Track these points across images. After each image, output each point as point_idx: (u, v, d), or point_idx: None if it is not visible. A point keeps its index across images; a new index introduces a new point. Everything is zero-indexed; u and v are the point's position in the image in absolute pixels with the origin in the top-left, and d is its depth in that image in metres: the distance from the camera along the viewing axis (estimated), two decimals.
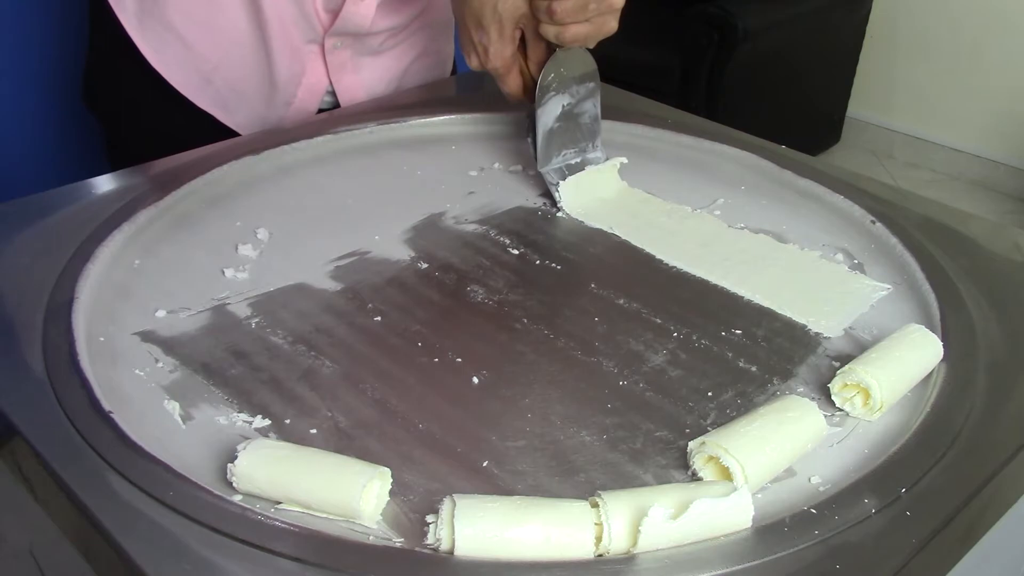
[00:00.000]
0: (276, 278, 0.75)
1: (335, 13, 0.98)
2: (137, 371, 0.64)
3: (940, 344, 0.65)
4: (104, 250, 0.74)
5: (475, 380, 0.65)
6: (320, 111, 1.06)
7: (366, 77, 1.07)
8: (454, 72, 1.20)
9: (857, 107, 3.11)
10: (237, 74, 1.02)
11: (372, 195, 0.89)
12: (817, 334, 0.71)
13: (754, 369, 0.67)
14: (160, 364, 0.65)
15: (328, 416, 0.61)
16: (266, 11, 0.96)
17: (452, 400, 0.63)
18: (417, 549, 0.51)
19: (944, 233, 0.82)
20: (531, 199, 0.89)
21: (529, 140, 0.89)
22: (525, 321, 0.71)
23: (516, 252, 0.80)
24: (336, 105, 1.07)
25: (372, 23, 1.00)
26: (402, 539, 0.52)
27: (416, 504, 0.54)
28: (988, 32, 2.82)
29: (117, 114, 1.10)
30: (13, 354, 0.64)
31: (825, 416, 0.59)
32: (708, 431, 0.59)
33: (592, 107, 0.90)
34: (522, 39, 0.88)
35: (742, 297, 0.75)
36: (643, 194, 0.89)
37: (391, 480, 0.54)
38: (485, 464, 0.58)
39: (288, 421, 0.61)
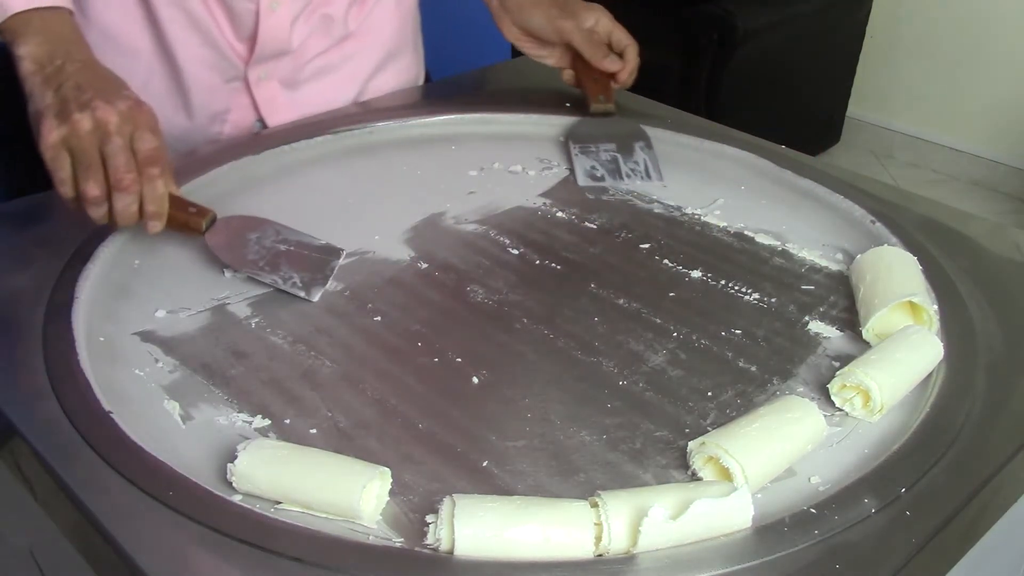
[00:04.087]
0: None
1: (252, 40, 0.93)
2: (137, 371, 0.64)
3: (940, 345, 0.65)
4: (104, 250, 0.74)
5: (475, 380, 0.65)
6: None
7: (304, 109, 1.00)
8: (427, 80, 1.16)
9: (857, 107, 3.11)
10: None
11: (372, 195, 0.89)
12: (817, 334, 0.71)
13: (754, 369, 0.67)
14: (160, 364, 0.65)
15: (328, 416, 0.61)
16: (176, 54, 0.92)
17: (452, 400, 0.63)
18: (417, 549, 0.51)
19: (944, 233, 0.82)
20: (531, 199, 0.89)
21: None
22: (525, 321, 0.71)
23: (516, 252, 0.80)
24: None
25: (294, 40, 0.95)
26: (402, 539, 0.52)
27: (416, 504, 0.54)
28: (988, 32, 2.81)
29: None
30: (13, 354, 0.64)
31: (825, 416, 0.59)
32: (708, 431, 0.59)
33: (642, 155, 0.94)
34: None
35: (742, 297, 0.75)
36: None
37: (391, 480, 0.54)
38: (485, 464, 0.58)
39: (288, 421, 0.61)
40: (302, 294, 0.72)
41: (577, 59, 1.01)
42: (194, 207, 0.74)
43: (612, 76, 1.01)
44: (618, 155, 0.94)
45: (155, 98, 0.90)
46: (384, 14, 1.04)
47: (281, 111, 1.00)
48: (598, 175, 0.92)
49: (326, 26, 0.98)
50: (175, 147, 0.96)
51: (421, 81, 1.14)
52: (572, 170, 0.93)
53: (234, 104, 0.97)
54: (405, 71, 1.10)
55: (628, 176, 0.92)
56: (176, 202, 0.74)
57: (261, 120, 1.00)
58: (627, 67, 1.01)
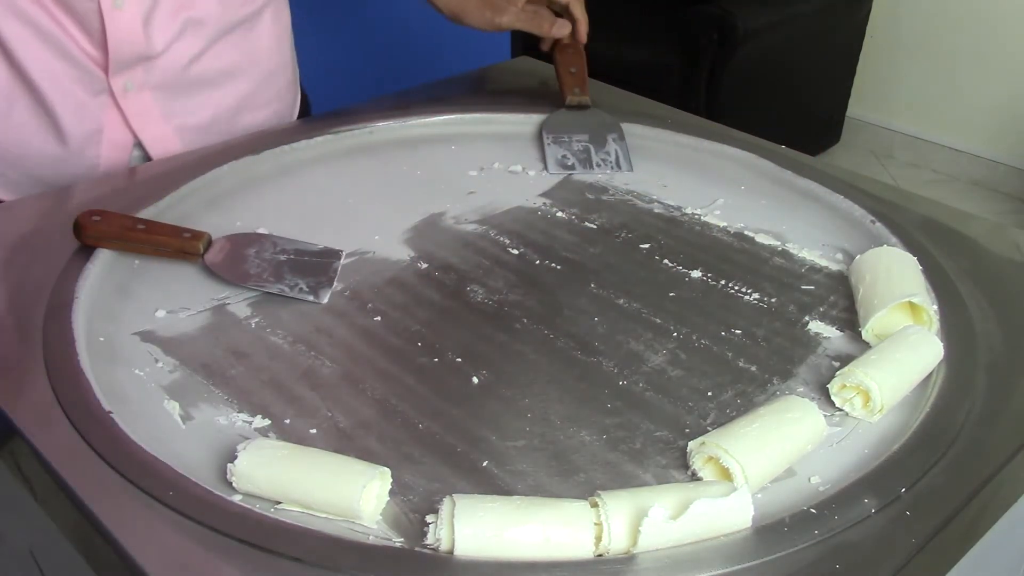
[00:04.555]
0: None
1: (103, 43, 0.86)
2: (137, 371, 0.64)
3: (940, 345, 0.65)
4: (104, 250, 0.74)
5: (475, 380, 0.65)
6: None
7: (180, 124, 0.95)
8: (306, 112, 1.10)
9: (857, 107, 3.11)
10: (15, 149, 0.89)
11: (372, 195, 0.89)
12: (817, 334, 0.71)
13: (754, 369, 0.67)
14: (160, 364, 0.65)
15: (328, 416, 0.61)
16: (31, 73, 0.85)
17: (452, 400, 0.63)
18: (417, 549, 0.51)
19: (944, 233, 0.82)
20: (531, 199, 0.89)
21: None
22: (525, 321, 0.71)
23: (516, 252, 0.80)
24: (149, 159, 0.94)
25: (155, 42, 0.88)
26: (402, 539, 0.52)
27: (416, 504, 0.54)
28: (988, 32, 2.81)
29: None
30: (13, 354, 0.64)
31: (825, 416, 0.59)
32: (708, 431, 0.59)
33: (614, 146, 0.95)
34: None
35: (742, 297, 0.75)
36: None
37: (391, 480, 0.54)
38: (485, 464, 0.58)
39: (288, 421, 0.61)
40: (311, 298, 0.72)
41: (553, 52, 1.04)
42: (188, 232, 0.74)
43: (575, 38, 1.01)
44: (590, 145, 0.96)
45: (20, 127, 0.87)
46: (264, 28, 0.99)
47: (154, 126, 0.93)
48: (569, 163, 0.93)
49: (196, 30, 0.92)
50: (51, 180, 0.91)
51: (299, 102, 1.09)
52: (544, 159, 0.94)
53: (106, 121, 0.90)
54: (286, 90, 1.06)
55: (599, 165, 0.93)
56: (170, 229, 0.74)
57: (137, 140, 0.93)
58: (579, 25, 1.01)
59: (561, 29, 1.01)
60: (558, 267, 0.78)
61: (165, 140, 0.94)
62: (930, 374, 0.64)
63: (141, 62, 0.89)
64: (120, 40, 0.86)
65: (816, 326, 0.71)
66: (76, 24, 0.85)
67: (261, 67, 1.01)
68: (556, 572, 0.49)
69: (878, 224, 0.81)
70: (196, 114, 0.96)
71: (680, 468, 0.58)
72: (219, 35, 0.94)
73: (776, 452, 0.56)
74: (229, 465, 0.54)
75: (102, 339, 0.67)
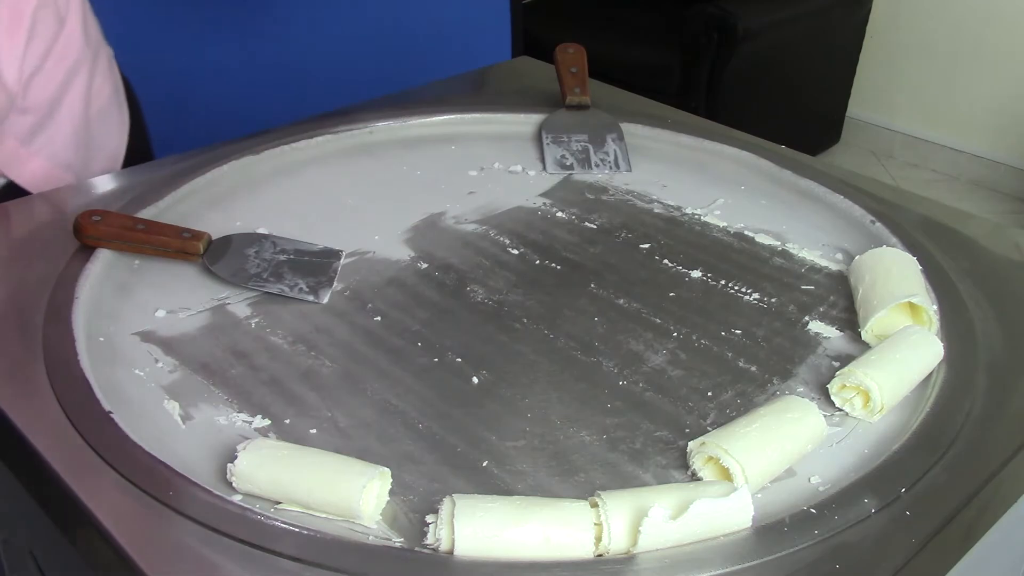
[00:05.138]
0: None
1: None
2: (137, 371, 0.64)
3: (940, 345, 0.65)
4: (104, 250, 0.74)
5: (475, 380, 0.65)
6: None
7: (50, 154, 0.93)
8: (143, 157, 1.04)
9: (857, 107, 3.11)
10: None
11: (372, 195, 0.89)
12: (817, 334, 0.71)
13: (754, 369, 0.67)
14: (160, 364, 0.65)
15: (328, 416, 0.61)
16: None
17: (452, 400, 0.63)
18: (417, 549, 0.51)
19: (944, 233, 0.82)
20: (531, 199, 0.89)
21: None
22: (525, 321, 0.71)
23: (516, 252, 0.80)
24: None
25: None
26: (402, 539, 0.52)
27: (416, 504, 0.54)
28: (989, 32, 2.81)
29: None
30: (13, 354, 0.64)
31: (825, 416, 0.59)
32: (708, 431, 0.59)
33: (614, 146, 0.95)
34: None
35: (742, 297, 0.75)
36: None
37: (391, 480, 0.54)
38: (485, 464, 0.58)
39: (288, 421, 0.61)
40: (311, 298, 0.72)
41: (553, 52, 1.04)
42: (188, 232, 0.74)
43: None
44: (589, 145, 0.96)
45: None
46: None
47: (30, 167, 0.92)
48: (567, 163, 0.94)
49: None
50: None
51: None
52: (543, 159, 0.94)
53: None
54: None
55: (597, 166, 0.93)
56: (170, 229, 0.74)
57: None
58: None
59: None
60: (558, 267, 0.78)
61: (39, 177, 0.93)
62: (930, 374, 0.64)
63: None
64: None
65: (816, 326, 0.71)
66: None
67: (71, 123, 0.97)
68: (556, 572, 0.49)
69: (878, 224, 0.81)
70: (57, 142, 0.94)
71: (680, 468, 0.58)
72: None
73: (776, 452, 0.56)
74: (229, 465, 0.54)
75: (102, 339, 0.67)
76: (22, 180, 0.93)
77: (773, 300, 0.74)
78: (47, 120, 0.94)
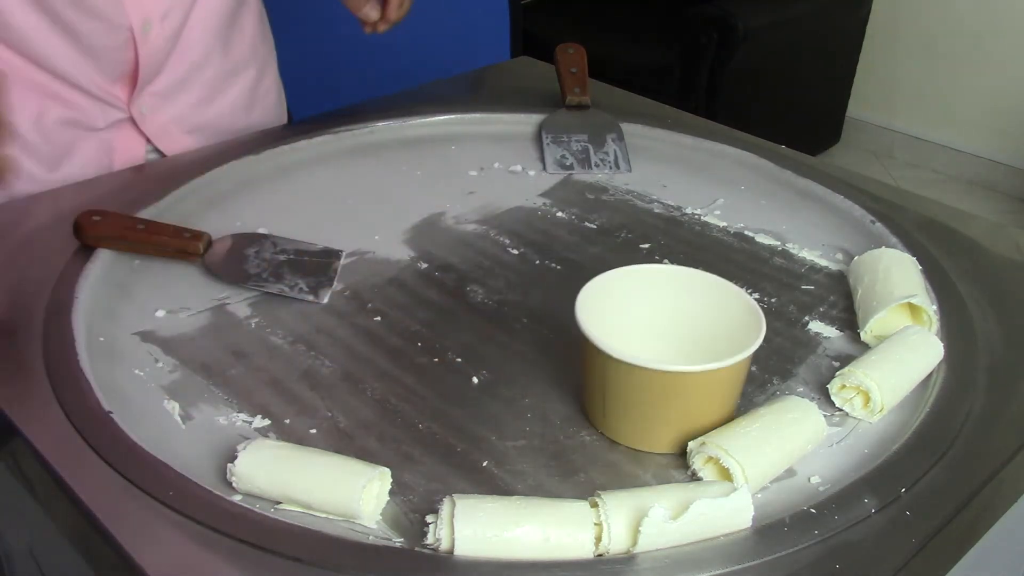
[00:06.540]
0: None
1: (132, 78, 0.89)
2: (137, 371, 0.64)
3: (940, 345, 0.65)
4: (104, 250, 0.74)
5: (475, 380, 0.65)
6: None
7: (196, 128, 0.98)
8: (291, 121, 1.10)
9: (857, 107, 3.11)
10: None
11: (372, 195, 0.89)
12: (817, 334, 0.71)
13: (754, 369, 0.67)
14: (160, 364, 0.65)
15: (328, 416, 0.61)
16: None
17: (452, 400, 0.63)
18: (417, 549, 0.51)
19: (944, 233, 0.82)
20: (531, 199, 0.89)
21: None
22: (525, 321, 0.71)
23: (516, 252, 0.80)
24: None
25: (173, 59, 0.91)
26: (402, 539, 0.52)
27: (416, 504, 0.54)
28: (989, 32, 2.81)
29: None
30: (13, 354, 0.64)
31: (825, 416, 0.59)
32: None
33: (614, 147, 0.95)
34: None
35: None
36: None
37: (391, 480, 0.54)
38: (485, 464, 0.58)
39: (288, 421, 0.61)
40: (310, 298, 0.72)
41: (555, 55, 1.04)
42: (188, 232, 0.74)
43: (385, 17, 0.95)
44: (589, 145, 0.96)
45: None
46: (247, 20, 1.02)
47: (180, 141, 0.96)
48: (567, 163, 0.94)
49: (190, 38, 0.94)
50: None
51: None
52: (543, 159, 0.94)
53: (118, 145, 0.93)
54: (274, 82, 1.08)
55: (597, 166, 0.93)
56: (170, 229, 0.74)
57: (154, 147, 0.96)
58: (390, 6, 0.94)
59: (372, 12, 0.95)
60: (558, 267, 0.78)
61: (181, 145, 0.97)
62: (930, 374, 0.64)
63: (158, 79, 0.92)
64: (148, 63, 0.89)
65: (816, 326, 0.71)
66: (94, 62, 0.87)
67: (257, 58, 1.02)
68: (556, 572, 0.49)
69: (878, 224, 0.81)
70: (206, 111, 0.98)
71: (680, 468, 0.58)
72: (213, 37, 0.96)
73: (776, 452, 0.56)
74: (229, 465, 0.54)
75: (102, 339, 0.67)
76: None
77: (773, 300, 0.74)
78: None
